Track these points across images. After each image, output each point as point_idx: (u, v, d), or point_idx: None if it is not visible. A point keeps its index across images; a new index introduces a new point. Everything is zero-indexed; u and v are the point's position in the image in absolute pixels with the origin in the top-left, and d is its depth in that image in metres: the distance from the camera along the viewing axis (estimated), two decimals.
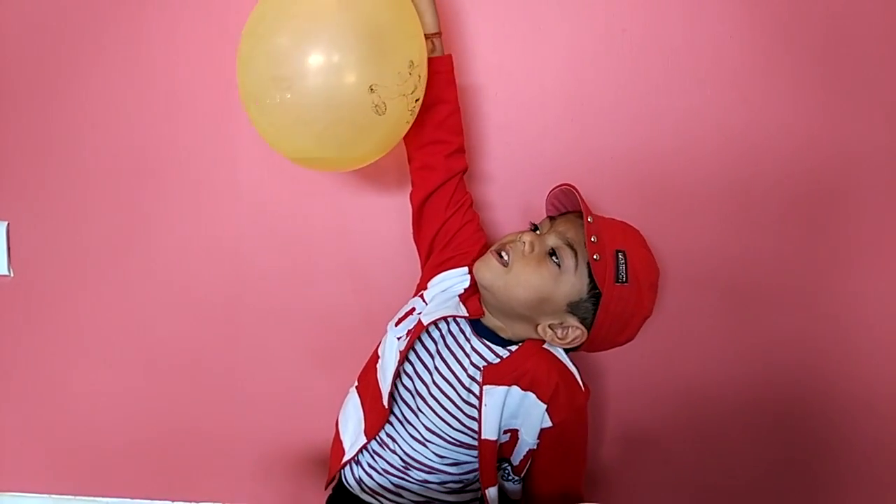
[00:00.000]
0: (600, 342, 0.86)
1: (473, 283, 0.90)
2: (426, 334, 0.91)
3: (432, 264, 0.96)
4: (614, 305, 0.81)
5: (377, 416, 0.91)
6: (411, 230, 0.98)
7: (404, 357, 0.89)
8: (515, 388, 0.84)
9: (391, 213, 1.10)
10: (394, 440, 0.92)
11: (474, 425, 0.86)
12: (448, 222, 0.93)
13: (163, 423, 1.23)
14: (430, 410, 0.88)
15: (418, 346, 0.91)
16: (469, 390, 0.87)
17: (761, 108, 1.05)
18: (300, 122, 0.77)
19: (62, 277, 1.22)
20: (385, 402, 0.90)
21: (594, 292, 0.81)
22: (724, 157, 1.06)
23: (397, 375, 0.90)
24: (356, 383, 1.00)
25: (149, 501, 1.26)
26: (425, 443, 0.90)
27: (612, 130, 1.07)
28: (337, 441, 0.97)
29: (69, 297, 1.22)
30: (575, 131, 1.07)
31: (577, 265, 0.82)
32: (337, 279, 1.15)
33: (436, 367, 0.89)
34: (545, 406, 0.84)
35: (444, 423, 0.88)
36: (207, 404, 1.22)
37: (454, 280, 0.93)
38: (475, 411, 0.86)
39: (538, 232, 0.87)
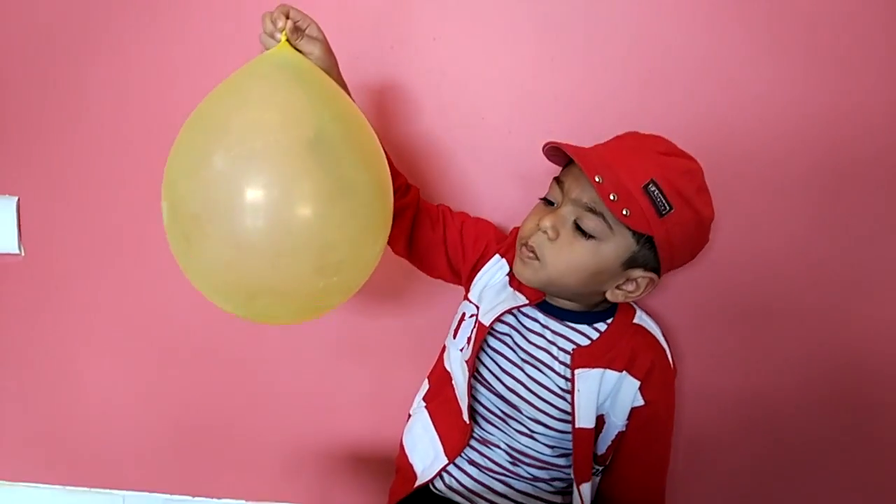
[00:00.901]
0: (678, 265, 0.79)
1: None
2: (493, 334, 0.84)
3: (467, 277, 0.89)
4: (673, 236, 0.72)
5: (459, 434, 0.84)
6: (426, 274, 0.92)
7: (473, 366, 0.83)
8: (610, 372, 0.79)
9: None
10: (498, 438, 0.85)
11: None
12: (448, 239, 0.87)
13: (181, 413, 1.16)
14: (529, 405, 0.82)
15: (488, 348, 0.85)
16: (563, 377, 0.80)
17: (797, 112, 0.95)
18: (340, 292, 0.68)
19: (76, 257, 1.15)
20: (466, 418, 0.83)
21: (645, 238, 0.72)
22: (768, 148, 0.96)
23: (471, 387, 0.83)
24: (423, 404, 0.92)
25: (167, 495, 1.19)
26: (533, 434, 0.83)
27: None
28: (404, 463, 0.90)
29: (83, 277, 1.15)
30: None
31: (610, 226, 0.72)
32: None
33: (523, 360, 0.82)
34: (639, 384, 0.79)
35: (546, 416, 0.81)
36: (229, 395, 1.15)
37: (492, 272, 0.87)
38: (570, 396, 0.79)
39: (553, 206, 0.78)
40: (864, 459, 1.03)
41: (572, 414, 0.78)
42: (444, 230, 0.87)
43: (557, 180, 0.78)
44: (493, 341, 0.84)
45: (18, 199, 1.14)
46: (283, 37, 0.70)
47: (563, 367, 0.80)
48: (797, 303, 0.99)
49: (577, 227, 0.74)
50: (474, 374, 0.84)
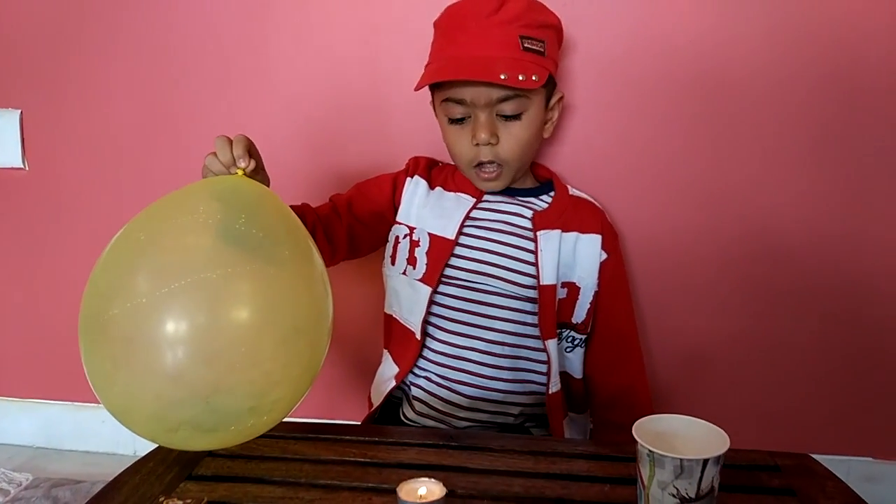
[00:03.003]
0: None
1: (445, 172, 0.91)
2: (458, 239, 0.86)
3: (393, 214, 0.91)
4: (556, 56, 0.85)
5: (413, 352, 0.86)
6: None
7: (436, 278, 0.84)
8: (566, 234, 0.85)
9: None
10: (472, 340, 0.85)
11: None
12: (355, 212, 0.89)
13: None
14: (500, 280, 0.84)
15: (456, 246, 0.86)
16: (529, 238, 0.85)
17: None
18: (265, 426, 0.62)
19: (81, 170, 1.15)
20: (418, 335, 0.85)
21: (547, 79, 0.80)
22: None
23: (432, 301, 0.85)
24: (385, 352, 0.94)
25: None
26: (504, 315, 0.85)
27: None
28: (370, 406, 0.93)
29: (88, 191, 1.15)
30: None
31: (526, 95, 0.80)
32: None
33: (492, 240, 0.85)
34: (600, 238, 0.86)
35: (516, 286, 0.84)
36: None
37: (412, 192, 0.89)
38: (534, 256, 0.84)
39: (464, 121, 0.83)
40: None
41: (537, 274, 0.83)
42: (347, 209, 0.89)
43: (453, 100, 0.82)
44: (459, 241, 0.86)
45: (21, 113, 1.14)
46: (240, 172, 0.67)
47: (526, 231, 0.85)
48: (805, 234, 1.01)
49: (505, 118, 0.81)
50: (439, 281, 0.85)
